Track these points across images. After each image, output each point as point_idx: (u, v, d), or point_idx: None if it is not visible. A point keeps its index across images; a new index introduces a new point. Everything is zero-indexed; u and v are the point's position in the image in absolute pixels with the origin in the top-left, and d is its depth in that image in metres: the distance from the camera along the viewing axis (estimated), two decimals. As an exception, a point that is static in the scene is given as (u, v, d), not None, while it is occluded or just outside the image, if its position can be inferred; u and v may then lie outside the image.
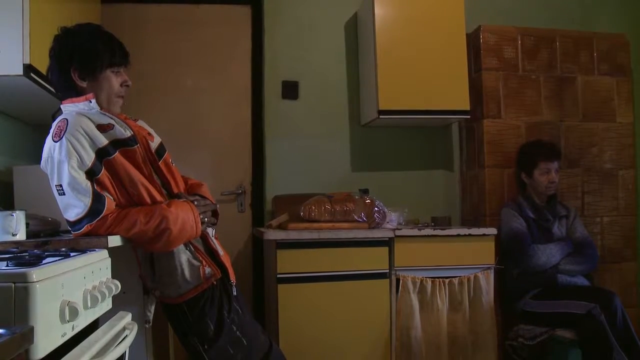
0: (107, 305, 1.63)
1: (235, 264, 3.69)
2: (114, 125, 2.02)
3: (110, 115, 2.09)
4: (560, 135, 3.77)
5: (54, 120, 2.04)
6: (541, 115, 3.76)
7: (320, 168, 3.75)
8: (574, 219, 3.45)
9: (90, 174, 1.93)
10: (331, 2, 3.86)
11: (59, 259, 1.35)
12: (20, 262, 1.23)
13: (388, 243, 3.12)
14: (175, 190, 2.18)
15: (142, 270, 2.14)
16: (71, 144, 1.90)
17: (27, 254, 1.49)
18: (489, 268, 3.24)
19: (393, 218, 3.30)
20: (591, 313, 2.89)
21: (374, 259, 3.10)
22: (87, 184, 1.91)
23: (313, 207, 3.15)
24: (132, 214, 1.96)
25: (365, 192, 3.37)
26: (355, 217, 3.15)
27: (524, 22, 3.89)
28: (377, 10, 3.48)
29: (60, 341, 1.20)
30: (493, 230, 3.27)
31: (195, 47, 3.80)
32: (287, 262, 3.01)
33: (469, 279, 3.20)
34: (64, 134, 1.91)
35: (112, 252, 1.78)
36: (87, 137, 1.93)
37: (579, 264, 3.27)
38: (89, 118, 1.98)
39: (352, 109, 3.83)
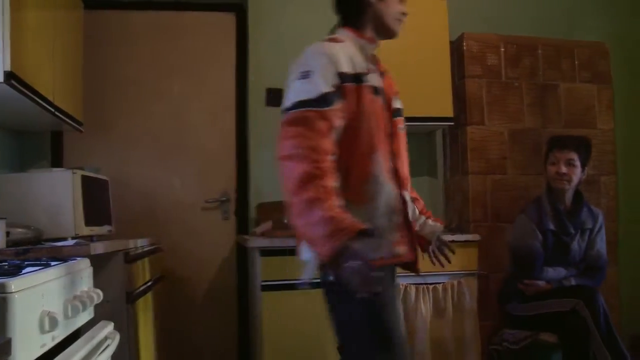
0: (88, 314, 1.63)
1: (219, 272, 3.72)
2: None
3: None
4: (543, 141, 3.79)
5: None
6: (524, 122, 3.79)
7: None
8: (598, 232, 3.28)
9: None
10: (315, 9, 3.85)
11: (39, 269, 1.34)
12: (-1, 272, 1.23)
13: (371, 250, 3.12)
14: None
15: None
16: None
17: (6, 263, 1.48)
18: (472, 274, 3.26)
19: (377, 225, 3.30)
20: (575, 309, 2.88)
21: (358, 266, 3.10)
22: None
23: (297, 215, 3.15)
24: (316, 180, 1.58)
25: (349, 198, 3.38)
26: (340, 224, 3.15)
27: (507, 30, 3.92)
28: (361, 18, 3.49)
29: (39, 352, 1.20)
30: (476, 237, 3.29)
31: (180, 54, 3.80)
32: (271, 270, 3.00)
33: (452, 285, 3.22)
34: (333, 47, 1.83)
35: (95, 260, 1.77)
36: None
37: (582, 281, 3.17)
38: None
39: (337, 115, 3.83)
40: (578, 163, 3.17)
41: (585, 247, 3.22)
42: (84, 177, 2.66)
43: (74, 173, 2.59)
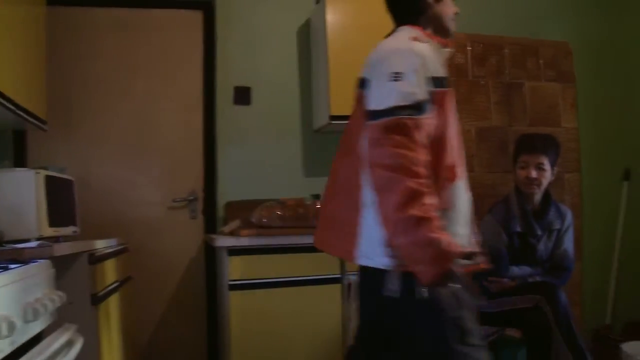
0: (50, 317, 1.60)
1: (187, 272, 3.70)
2: None
3: None
4: (509, 139, 3.85)
5: None
6: (491, 120, 3.84)
7: (273, 173, 3.74)
8: (565, 232, 3.25)
9: None
10: (283, 8, 3.86)
11: (-3, 272, 1.32)
12: (-45, 277, 1.20)
13: (340, 248, 3.14)
14: None
15: None
16: None
17: (-37, 267, 1.45)
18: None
19: (345, 223, 3.30)
20: (538, 306, 2.91)
21: (326, 264, 3.10)
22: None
23: (264, 213, 3.14)
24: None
25: (317, 197, 3.38)
26: (307, 222, 3.16)
27: (474, 29, 3.95)
28: (329, 17, 3.50)
29: (-4, 357, 1.18)
30: (442, 235, 3.32)
31: (146, 51, 3.76)
32: (239, 269, 3.00)
33: (418, 282, 3.23)
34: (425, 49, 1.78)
35: (59, 261, 1.75)
36: None
37: (548, 280, 3.17)
38: None
39: (305, 114, 3.84)
40: (548, 167, 3.14)
41: (552, 246, 3.23)
42: (48, 177, 2.62)
43: (37, 173, 2.54)
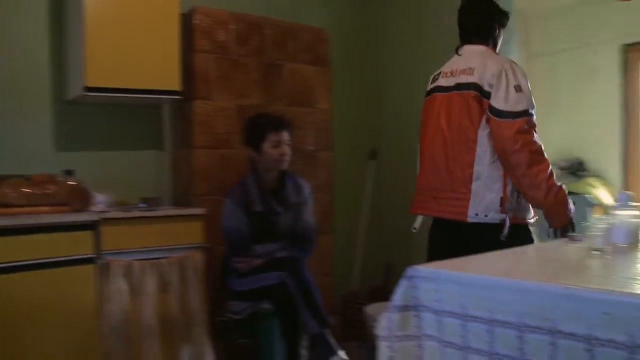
0: None
1: None
2: None
3: None
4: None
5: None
6: (250, 99, 3.93)
7: (19, 147, 3.42)
8: (304, 205, 3.46)
9: None
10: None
11: None
12: None
13: (93, 226, 3.01)
14: None
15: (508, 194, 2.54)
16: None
17: None
18: (198, 247, 3.33)
19: (101, 200, 3.18)
20: (283, 281, 3.11)
21: (79, 244, 2.96)
22: None
23: (8, 191, 2.90)
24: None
25: (69, 173, 3.19)
26: (57, 200, 2.98)
27: (238, 8, 3.98)
28: (86, -21, 3.28)
29: None
30: (202, 210, 3.36)
31: None
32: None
33: (178, 259, 3.25)
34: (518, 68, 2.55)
35: None
36: None
37: (293, 253, 3.36)
38: None
39: (57, 83, 3.56)
40: (290, 141, 3.36)
41: (293, 220, 3.43)
42: None
43: None
